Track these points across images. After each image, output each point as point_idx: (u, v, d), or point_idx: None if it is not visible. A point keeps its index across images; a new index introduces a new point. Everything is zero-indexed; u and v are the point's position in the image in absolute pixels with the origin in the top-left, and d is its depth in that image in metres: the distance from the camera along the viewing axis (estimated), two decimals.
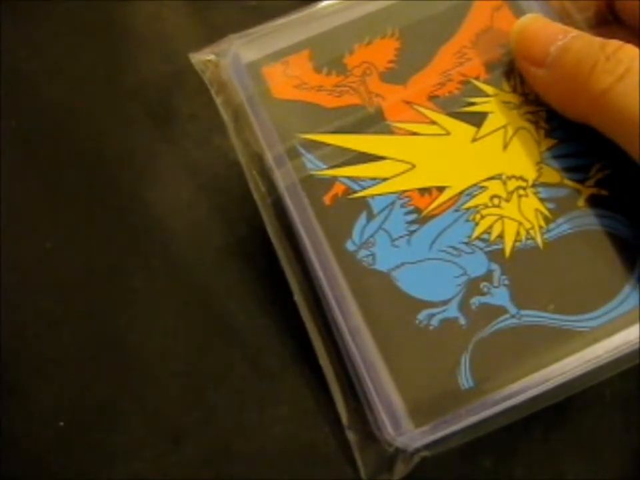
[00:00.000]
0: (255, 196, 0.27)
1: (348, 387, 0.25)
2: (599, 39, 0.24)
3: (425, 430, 0.23)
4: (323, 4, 0.28)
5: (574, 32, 0.24)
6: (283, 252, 0.26)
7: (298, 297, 0.26)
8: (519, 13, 0.28)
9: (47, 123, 0.34)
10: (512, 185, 0.25)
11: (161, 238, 0.30)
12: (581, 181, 0.25)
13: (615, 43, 0.23)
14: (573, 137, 0.26)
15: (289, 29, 0.28)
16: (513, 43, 0.26)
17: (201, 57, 0.28)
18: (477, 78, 0.27)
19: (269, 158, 0.26)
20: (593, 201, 0.25)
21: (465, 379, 0.23)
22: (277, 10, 0.38)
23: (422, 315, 0.24)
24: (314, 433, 0.26)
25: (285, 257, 0.26)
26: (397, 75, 0.27)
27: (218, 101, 0.28)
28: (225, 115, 0.28)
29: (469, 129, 0.26)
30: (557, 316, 0.24)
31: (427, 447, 0.23)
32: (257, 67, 0.28)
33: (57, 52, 0.36)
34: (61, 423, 0.26)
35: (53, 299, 0.29)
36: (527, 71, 0.26)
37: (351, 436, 0.24)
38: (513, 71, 0.27)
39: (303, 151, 0.26)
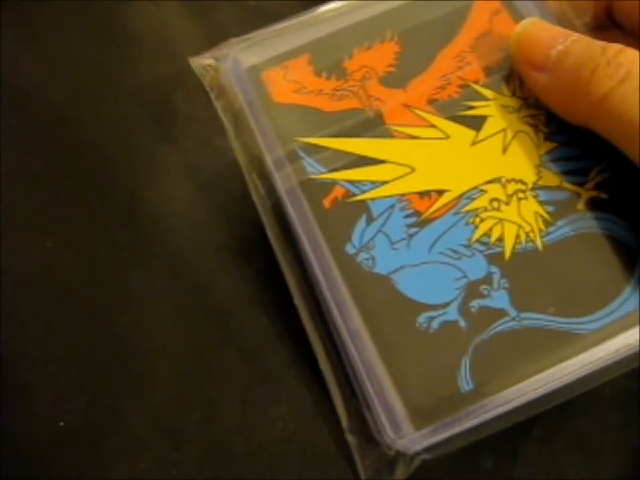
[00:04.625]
0: (255, 199, 0.27)
1: (348, 390, 0.25)
2: (599, 43, 0.24)
3: (425, 433, 0.23)
4: (323, 9, 0.28)
5: (574, 35, 0.24)
6: (282, 255, 0.26)
7: (298, 300, 0.26)
8: (518, 17, 0.27)
9: (46, 123, 0.34)
10: (511, 188, 0.25)
11: (161, 238, 0.30)
12: (580, 184, 0.25)
13: (615, 47, 0.23)
14: (572, 140, 0.26)
15: (288, 34, 0.28)
16: (513, 46, 0.26)
17: (200, 62, 0.28)
18: (476, 82, 0.27)
19: (269, 162, 0.26)
20: (593, 204, 0.25)
21: (465, 382, 0.23)
22: (277, 10, 0.39)
23: (422, 318, 0.24)
24: (314, 432, 0.26)
25: (284, 260, 0.26)
26: (396, 78, 0.27)
27: (218, 105, 0.28)
28: (225, 119, 0.28)
29: (469, 133, 0.26)
30: (557, 318, 0.24)
31: (427, 450, 0.23)
32: (257, 71, 0.27)
33: (57, 52, 0.36)
34: (61, 423, 0.26)
35: (53, 299, 0.29)
36: (527, 75, 0.26)
37: (351, 439, 0.24)
38: (513, 75, 0.27)
39: (302, 154, 0.26)
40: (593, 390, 0.26)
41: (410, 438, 0.23)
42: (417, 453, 0.23)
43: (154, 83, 0.35)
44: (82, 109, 0.34)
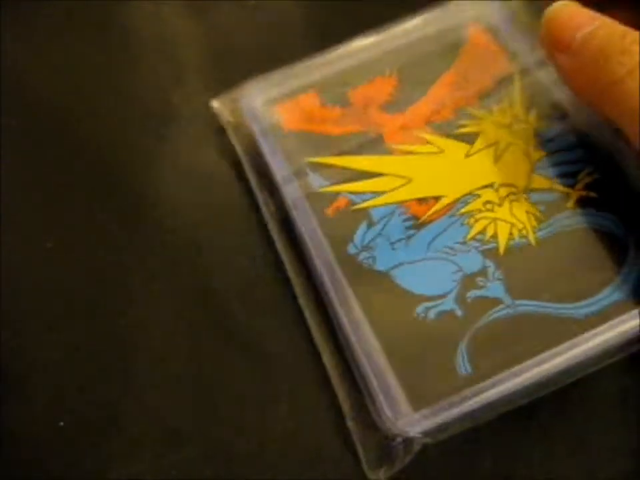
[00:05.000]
0: (264, 213, 0.29)
1: (350, 380, 0.25)
2: (621, 29, 0.24)
3: (423, 413, 0.23)
4: (328, 53, 0.32)
5: (600, 20, 0.24)
6: (288, 260, 0.28)
7: (301, 297, 0.27)
8: (510, 48, 0.31)
9: (46, 122, 0.34)
10: (504, 191, 0.27)
11: (161, 238, 0.30)
12: (570, 186, 0.27)
13: (633, 35, 0.23)
14: (561, 149, 0.28)
15: (297, 74, 0.32)
16: (542, 27, 0.26)
17: (221, 103, 0.32)
18: (469, 105, 0.30)
19: (279, 179, 0.29)
20: (583, 203, 0.27)
21: (462, 366, 0.24)
22: (277, 10, 0.39)
23: (420, 308, 0.25)
24: (314, 432, 0.26)
25: (292, 268, 0.28)
26: (395, 105, 0.30)
27: (234, 139, 0.31)
28: (241, 151, 0.31)
29: (462, 147, 0.29)
30: (552, 304, 0.25)
31: (427, 434, 0.23)
32: (270, 106, 0.31)
33: (57, 52, 0.36)
34: (61, 423, 0.26)
35: (53, 299, 0.29)
36: (551, 56, 0.26)
37: (352, 427, 0.24)
38: (503, 97, 0.30)
39: (308, 171, 0.29)
40: (592, 389, 0.26)
41: (409, 418, 0.23)
42: (417, 437, 0.23)
43: (154, 81, 0.35)
44: (82, 109, 0.34)
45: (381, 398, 0.24)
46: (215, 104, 0.32)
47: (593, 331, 0.24)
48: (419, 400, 0.24)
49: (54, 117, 0.34)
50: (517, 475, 0.25)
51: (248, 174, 0.30)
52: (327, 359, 0.26)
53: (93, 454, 0.25)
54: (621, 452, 0.25)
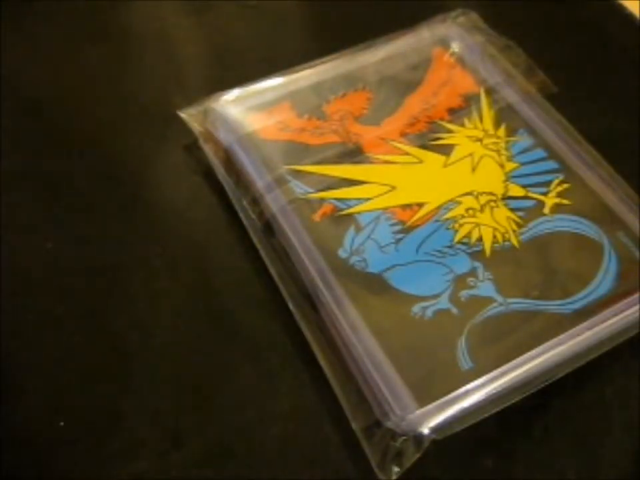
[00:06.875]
0: (245, 222, 0.29)
1: (349, 381, 0.25)
2: None
3: (430, 410, 0.24)
4: (298, 71, 0.33)
5: None
6: (273, 267, 0.28)
7: (290, 301, 0.27)
8: (470, 70, 0.34)
9: (46, 123, 0.34)
10: (483, 199, 0.29)
11: (161, 238, 0.30)
12: (543, 194, 0.30)
13: None
14: (530, 161, 0.31)
15: (271, 86, 0.33)
16: None
17: (190, 112, 0.32)
18: (441, 119, 0.32)
19: (260, 186, 0.29)
20: (557, 209, 0.29)
21: (464, 361, 0.25)
22: (277, 10, 0.39)
23: (416, 308, 0.26)
24: (314, 431, 0.26)
25: (276, 272, 0.28)
26: (371, 118, 0.32)
27: (206, 147, 0.31)
28: (215, 159, 0.31)
29: (440, 158, 0.31)
30: (541, 302, 0.26)
31: (434, 430, 0.24)
32: (244, 115, 0.31)
33: (57, 52, 0.36)
34: (61, 423, 0.26)
35: (53, 299, 0.29)
36: None
37: (357, 428, 0.24)
38: (472, 113, 0.32)
39: (290, 178, 0.29)
40: (593, 390, 0.26)
41: (416, 415, 0.24)
42: (426, 434, 0.24)
43: (154, 81, 0.35)
44: (82, 109, 0.34)
45: (387, 397, 0.24)
46: (183, 114, 0.32)
47: (582, 325, 0.26)
48: (425, 397, 0.24)
49: (54, 117, 0.34)
50: (517, 475, 0.25)
51: (222, 182, 0.30)
52: (323, 361, 0.26)
53: (92, 454, 0.25)
54: (621, 453, 0.25)
